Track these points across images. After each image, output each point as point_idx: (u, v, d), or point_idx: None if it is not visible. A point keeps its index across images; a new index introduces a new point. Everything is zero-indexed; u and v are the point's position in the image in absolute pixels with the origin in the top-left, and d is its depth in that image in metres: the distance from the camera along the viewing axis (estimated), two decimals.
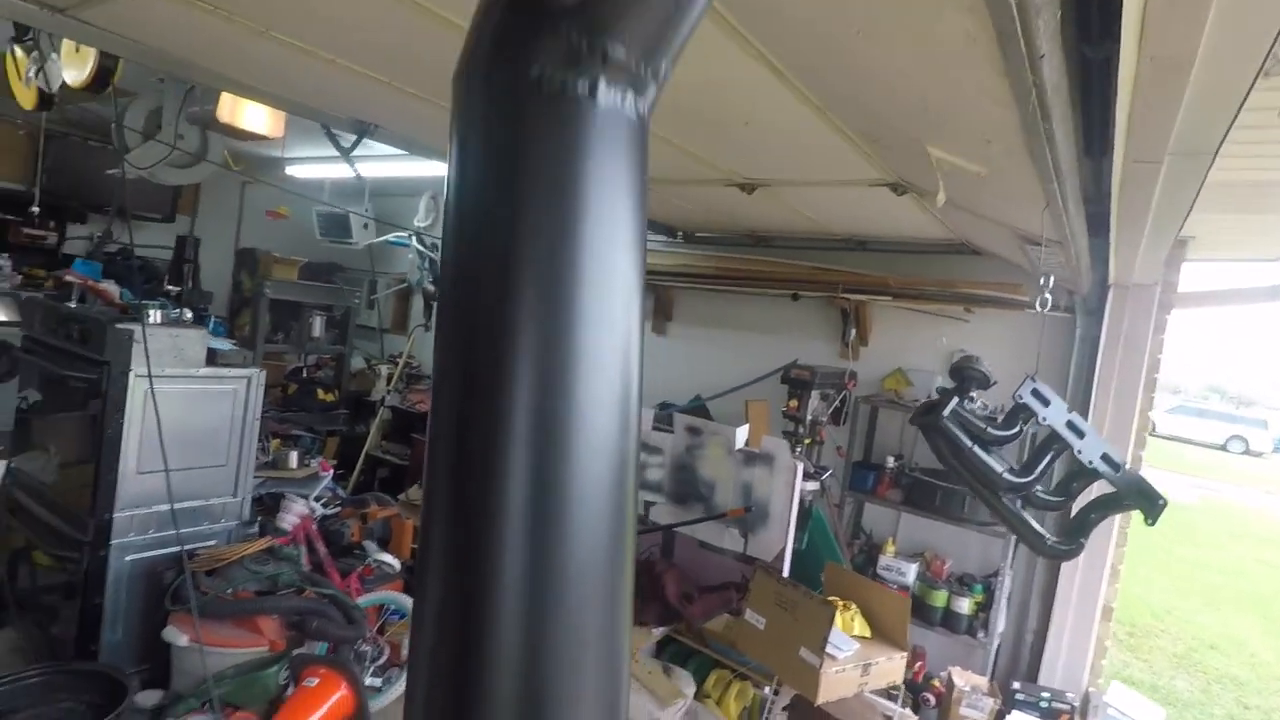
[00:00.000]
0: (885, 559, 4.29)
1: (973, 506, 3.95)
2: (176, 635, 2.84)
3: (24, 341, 3.63)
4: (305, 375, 5.91)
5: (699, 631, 3.74)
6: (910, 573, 4.22)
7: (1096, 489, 2.23)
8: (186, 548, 2.96)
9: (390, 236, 5.95)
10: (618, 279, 0.57)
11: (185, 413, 3.04)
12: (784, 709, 3.39)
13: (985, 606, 4.04)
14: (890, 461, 4.39)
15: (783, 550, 3.76)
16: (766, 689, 3.44)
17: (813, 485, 4.24)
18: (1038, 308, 2.27)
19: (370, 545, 4.12)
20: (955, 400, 2.10)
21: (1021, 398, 2.05)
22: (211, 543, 3.34)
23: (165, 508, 3.03)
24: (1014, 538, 3.92)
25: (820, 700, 2.96)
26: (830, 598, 3.45)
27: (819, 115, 2.09)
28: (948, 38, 1.24)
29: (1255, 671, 6.57)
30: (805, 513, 4.24)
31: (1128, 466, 2.13)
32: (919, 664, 4.20)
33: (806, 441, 4.36)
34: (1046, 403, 2.06)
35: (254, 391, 3.30)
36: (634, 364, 0.61)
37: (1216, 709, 5.61)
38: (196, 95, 3.26)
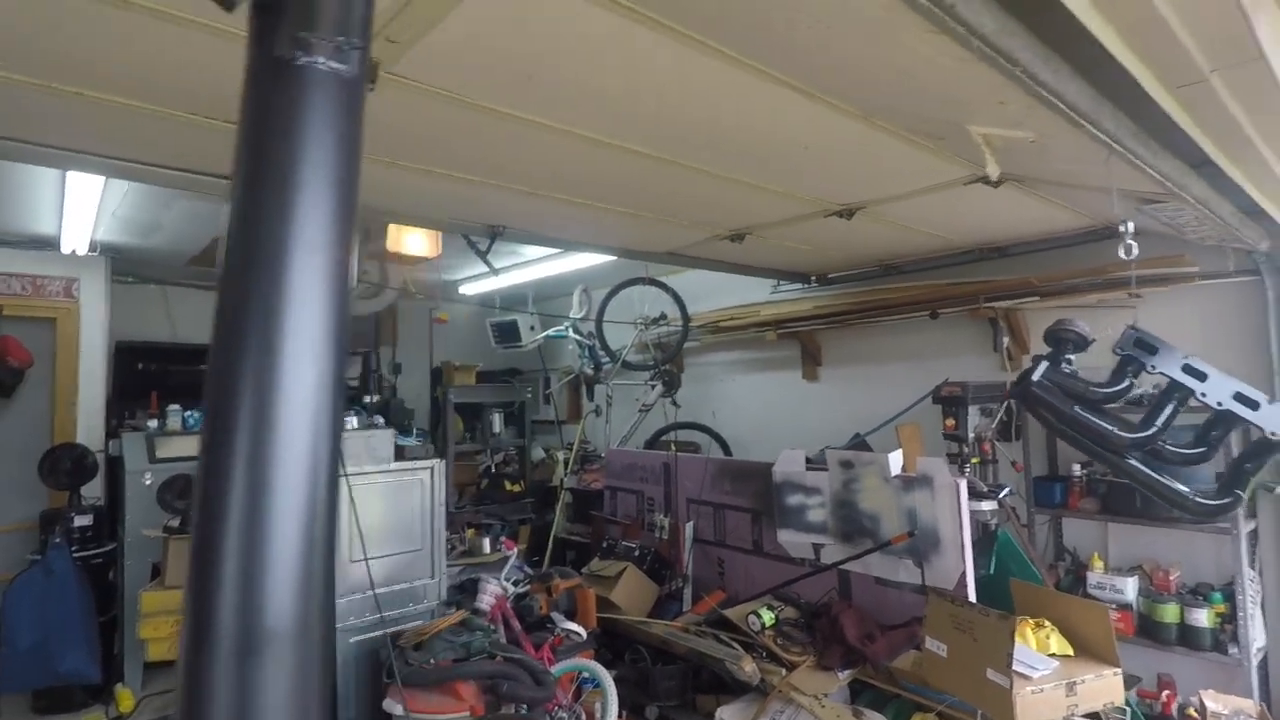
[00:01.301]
0: (1095, 576, 3.88)
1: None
2: (394, 706, 3.27)
3: None
4: (493, 470, 6.57)
5: (887, 672, 3.59)
6: (1129, 588, 3.77)
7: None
8: (395, 628, 3.43)
9: (549, 332, 6.59)
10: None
11: (383, 503, 3.60)
12: None
13: (1230, 618, 3.50)
14: (1076, 469, 4.03)
15: (963, 575, 3.56)
16: None
17: (989, 505, 3.97)
18: (1122, 254, 2.14)
19: (558, 616, 4.43)
20: (1045, 365, 2.02)
21: (1122, 350, 1.93)
22: (417, 622, 3.82)
23: (381, 591, 3.56)
24: (1248, 531, 3.42)
25: None
26: (1019, 616, 3.20)
27: (867, 124, 2.22)
28: (870, 11, 1.37)
29: None
30: (990, 536, 3.98)
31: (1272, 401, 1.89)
32: (1167, 693, 3.67)
33: (975, 460, 4.13)
34: (1154, 350, 1.92)
35: (438, 479, 3.81)
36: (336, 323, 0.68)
37: None
38: (368, 232, 4.00)
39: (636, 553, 5.04)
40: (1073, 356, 2.11)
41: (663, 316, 6.09)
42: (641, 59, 1.84)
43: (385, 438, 3.60)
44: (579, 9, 1.57)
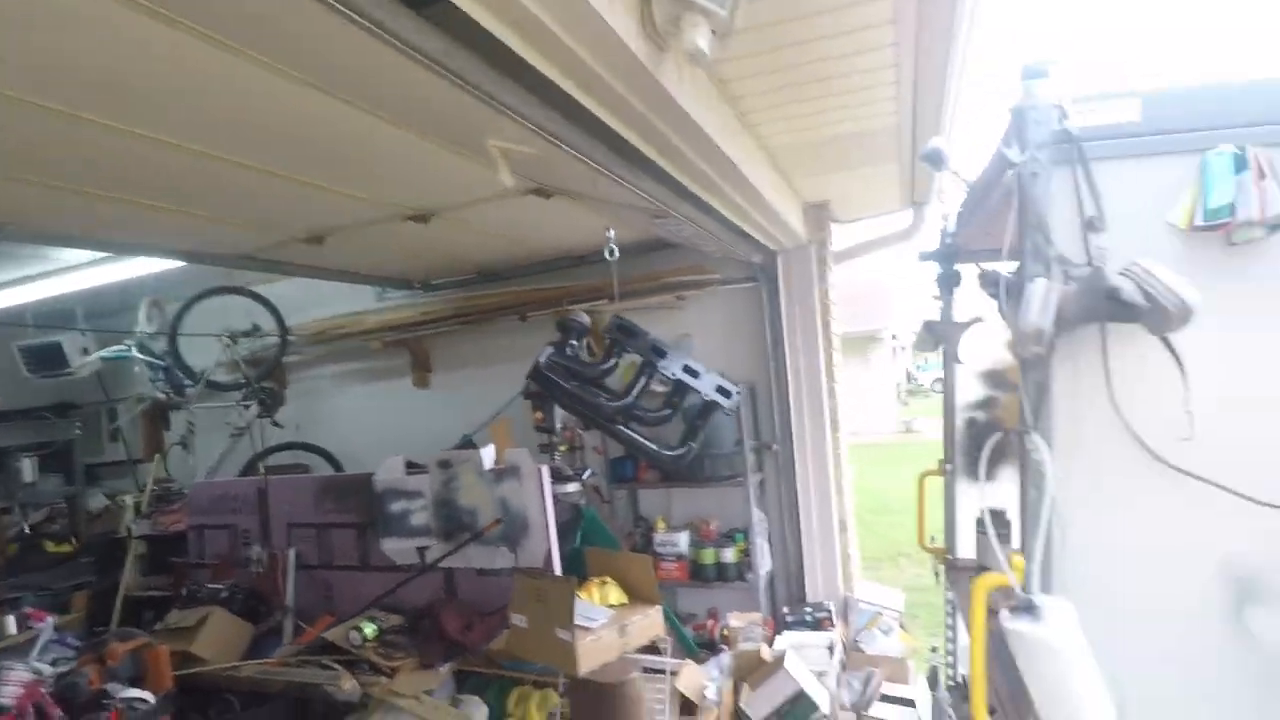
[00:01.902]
0: (659, 535, 4.60)
1: (711, 466, 4.36)
2: None
3: None
4: (27, 532, 5.27)
5: (485, 656, 3.78)
6: (683, 541, 4.55)
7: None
8: None
9: (104, 353, 5.52)
10: None
11: None
12: (561, 695, 3.51)
13: (748, 552, 4.44)
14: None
15: (549, 553, 3.93)
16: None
17: (574, 487, 4.46)
18: (606, 255, 2.64)
19: (114, 687, 3.74)
20: (551, 349, 2.40)
21: (608, 334, 2.39)
22: None
23: None
24: (752, 485, 4.37)
25: (583, 671, 3.11)
26: (590, 578, 3.66)
27: (414, 132, 2.35)
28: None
29: None
30: (579, 514, 4.46)
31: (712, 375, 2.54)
32: (711, 622, 4.51)
33: (563, 448, 4.58)
34: (631, 334, 2.42)
35: None
36: None
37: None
38: None
39: (224, 594, 4.49)
40: (576, 342, 2.50)
41: (256, 329, 5.55)
42: (172, 56, 1.80)
43: None
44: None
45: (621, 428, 2.44)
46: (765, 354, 4.62)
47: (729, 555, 4.42)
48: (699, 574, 4.48)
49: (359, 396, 5.98)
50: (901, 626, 4.41)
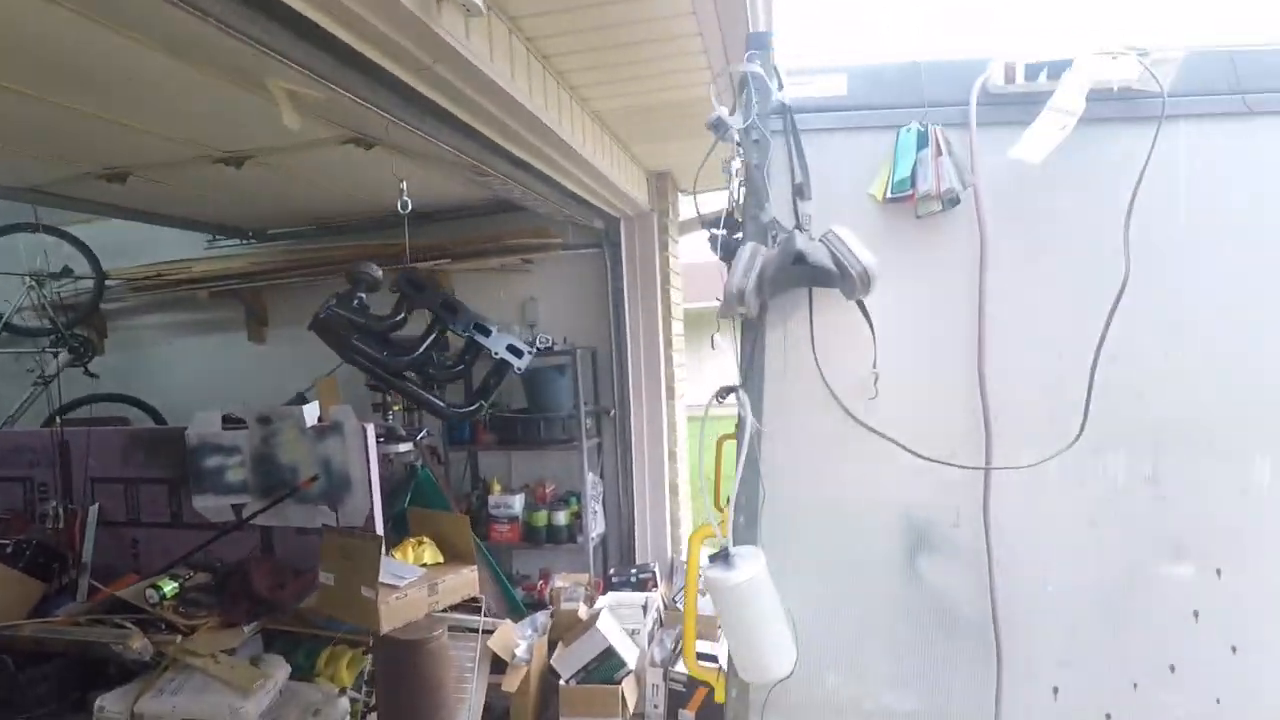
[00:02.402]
0: (494, 498, 4.61)
1: (547, 429, 4.40)
2: None
3: None
4: None
5: (297, 614, 3.68)
6: (517, 504, 4.59)
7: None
8: None
9: None
10: None
11: None
12: (365, 652, 3.49)
13: (581, 515, 4.53)
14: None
15: (371, 512, 3.86)
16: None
17: (407, 447, 4.39)
18: (399, 209, 2.60)
19: None
20: (334, 300, 2.35)
21: (395, 288, 2.37)
22: None
23: None
24: (586, 449, 4.45)
25: (385, 629, 3.10)
26: (408, 538, 3.63)
27: (175, 59, 2.19)
28: None
29: None
30: (412, 474, 4.40)
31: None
32: (542, 582, 4.59)
33: (397, 408, 4.49)
34: (420, 289, 2.41)
35: None
36: None
37: None
38: None
39: (9, 550, 4.14)
40: (364, 294, 2.45)
41: (68, 271, 5.09)
42: None
43: None
44: None
45: (408, 384, 2.42)
46: (608, 319, 4.69)
47: (561, 518, 4.50)
48: (531, 536, 4.54)
49: (189, 349, 5.61)
50: None
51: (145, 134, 2.97)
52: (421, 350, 2.40)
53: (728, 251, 1.68)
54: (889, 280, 1.56)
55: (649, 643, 3.82)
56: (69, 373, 5.17)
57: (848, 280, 1.50)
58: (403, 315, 2.41)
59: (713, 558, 1.59)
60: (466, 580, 3.49)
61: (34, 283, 4.97)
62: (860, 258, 1.47)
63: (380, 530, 3.92)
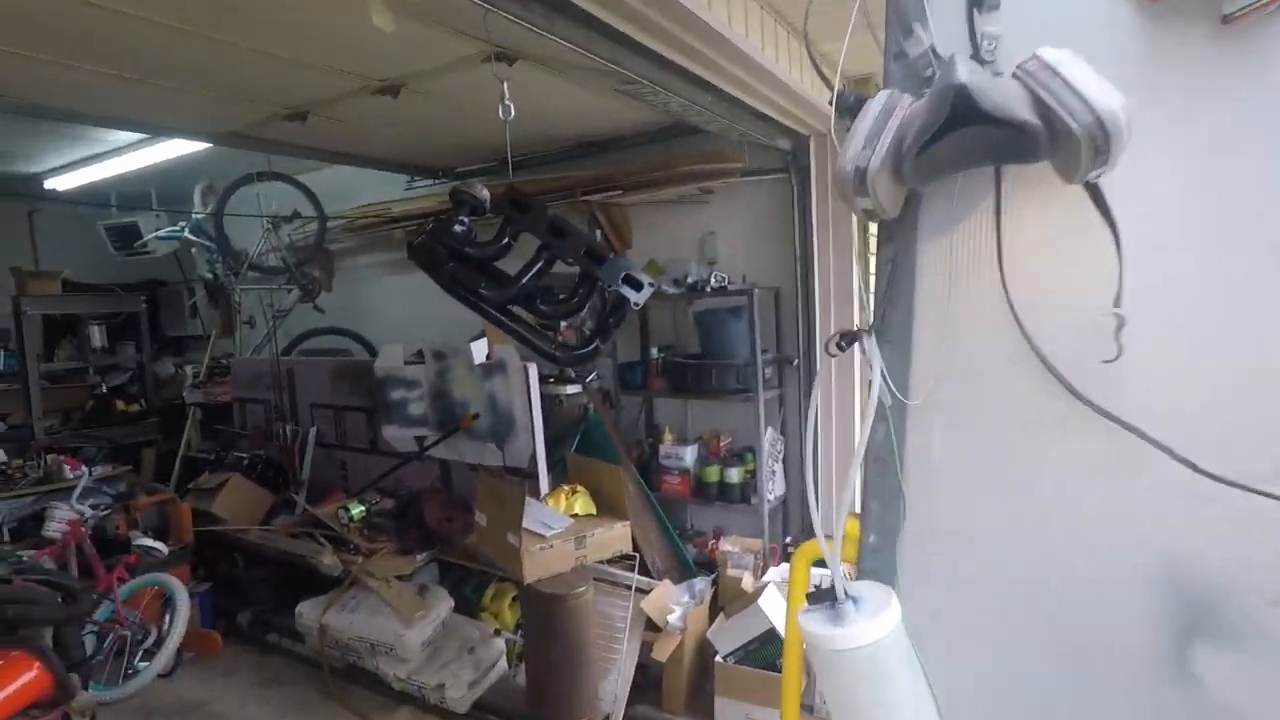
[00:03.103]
0: (664, 448, 4.33)
1: (720, 377, 3.99)
2: None
3: None
4: (102, 391, 5.72)
5: (466, 549, 3.73)
6: (688, 455, 4.26)
7: None
8: None
9: (160, 233, 5.74)
10: None
11: None
12: (513, 599, 3.40)
13: (756, 474, 4.10)
14: (655, 353, 4.40)
15: (534, 454, 3.76)
16: None
17: (574, 389, 4.24)
18: (500, 115, 2.24)
19: (135, 534, 4.02)
20: (434, 226, 2.08)
21: (495, 212, 2.05)
22: None
23: None
24: (764, 401, 3.97)
25: (528, 578, 2.97)
26: (562, 485, 3.47)
27: None
28: None
29: None
30: (583, 417, 4.25)
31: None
32: (713, 542, 4.26)
33: None
34: (524, 210, 2.06)
35: None
36: None
37: None
38: None
39: (245, 462, 4.71)
40: (467, 218, 2.17)
41: (296, 214, 5.58)
42: None
43: None
44: None
45: (509, 322, 2.14)
46: (793, 255, 4.09)
47: (734, 475, 4.09)
48: (701, 491, 4.20)
49: (395, 285, 5.95)
50: None
51: (305, 69, 2.97)
52: (525, 281, 2.09)
53: (851, 108, 1.05)
54: (1153, 146, 0.91)
55: None
56: (303, 307, 5.72)
57: (1065, 145, 0.85)
58: (506, 241, 2.11)
59: (814, 596, 1.08)
60: (618, 535, 3.25)
61: (269, 225, 5.50)
62: (1095, 100, 0.82)
63: (543, 473, 3.83)
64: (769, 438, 4.07)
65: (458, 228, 2.09)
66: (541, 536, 3.05)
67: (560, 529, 3.12)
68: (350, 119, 3.66)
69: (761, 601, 3.13)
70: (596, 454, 4.06)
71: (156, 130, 4.07)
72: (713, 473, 4.15)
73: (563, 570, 3.07)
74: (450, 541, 3.72)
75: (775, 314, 4.21)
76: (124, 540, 4.06)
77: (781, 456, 4.23)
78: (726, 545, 3.86)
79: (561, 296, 2.17)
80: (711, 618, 3.37)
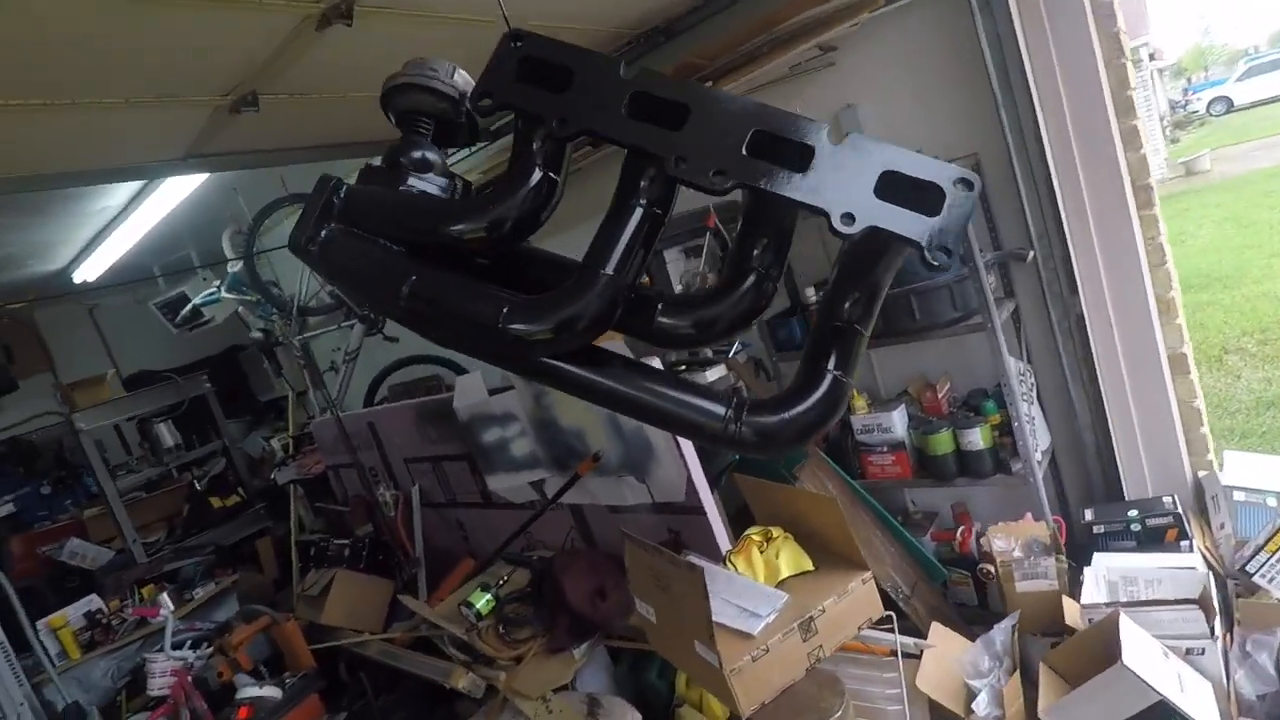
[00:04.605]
0: (859, 420, 3.09)
1: (924, 308, 2.70)
2: None
3: None
4: (198, 488, 5.14)
5: (630, 631, 2.70)
6: (898, 423, 3.02)
7: None
8: None
9: (198, 299, 4.99)
10: None
11: None
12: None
13: (1006, 428, 2.81)
14: (812, 295, 3.14)
15: (689, 480, 2.65)
16: None
17: (717, 373, 3.07)
18: None
19: (241, 678, 3.27)
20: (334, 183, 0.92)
21: None
22: None
23: None
24: (999, 323, 2.64)
25: (747, 711, 1.86)
26: (749, 533, 2.32)
27: None
28: None
29: None
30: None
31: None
32: (962, 529, 3.04)
33: None
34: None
35: None
36: None
37: None
38: None
39: (347, 551, 3.90)
40: (428, 151, 1.00)
41: None
42: None
43: None
44: None
45: None
46: (991, 101, 2.66)
47: (975, 439, 2.80)
48: (931, 468, 2.95)
49: None
50: None
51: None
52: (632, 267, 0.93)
53: None
54: None
55: (1224, 663, 2.07)
56: (371, 342, 4.85)
57: None
58: (537, 180, 0.95)
59: None
60: (863, 598, 2.07)
61: None
62: None
63: (710, 505, 2.72)
64: (1016, 370, 2.74)
65: (417, 182, 0.97)
66: (749, 637, 1.93)
67: (773, 613, 1.98)
68: (308, 87, 2.56)
69: (1128, 658, 1.89)
70: (766, 464, 2.91)
71: (115, 176, 3.16)
72: (943, 440, 2.87)
73: (794, 679, 1.95)
74: (607, 627, 2.71)
75: (982, 197, 2.82)
76: (228, 688, 3.34)
77: (1035, 394, 2.90)
78: (998, 541, 2.61)
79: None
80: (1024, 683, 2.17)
